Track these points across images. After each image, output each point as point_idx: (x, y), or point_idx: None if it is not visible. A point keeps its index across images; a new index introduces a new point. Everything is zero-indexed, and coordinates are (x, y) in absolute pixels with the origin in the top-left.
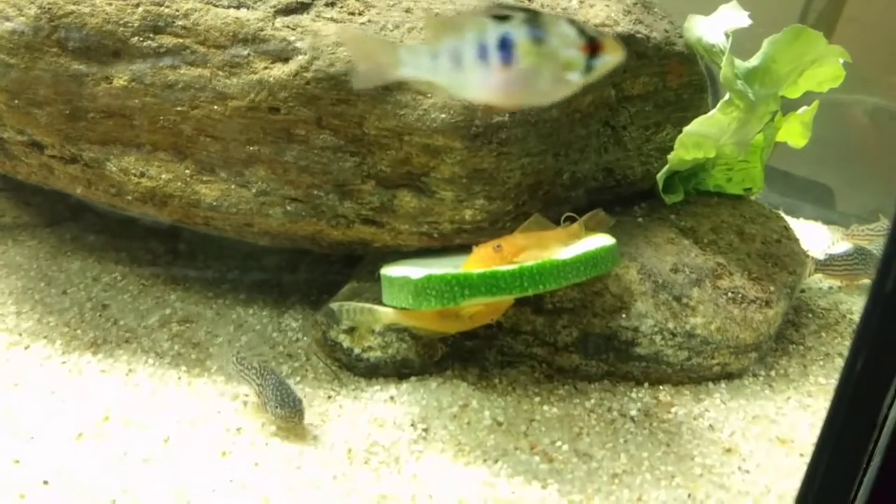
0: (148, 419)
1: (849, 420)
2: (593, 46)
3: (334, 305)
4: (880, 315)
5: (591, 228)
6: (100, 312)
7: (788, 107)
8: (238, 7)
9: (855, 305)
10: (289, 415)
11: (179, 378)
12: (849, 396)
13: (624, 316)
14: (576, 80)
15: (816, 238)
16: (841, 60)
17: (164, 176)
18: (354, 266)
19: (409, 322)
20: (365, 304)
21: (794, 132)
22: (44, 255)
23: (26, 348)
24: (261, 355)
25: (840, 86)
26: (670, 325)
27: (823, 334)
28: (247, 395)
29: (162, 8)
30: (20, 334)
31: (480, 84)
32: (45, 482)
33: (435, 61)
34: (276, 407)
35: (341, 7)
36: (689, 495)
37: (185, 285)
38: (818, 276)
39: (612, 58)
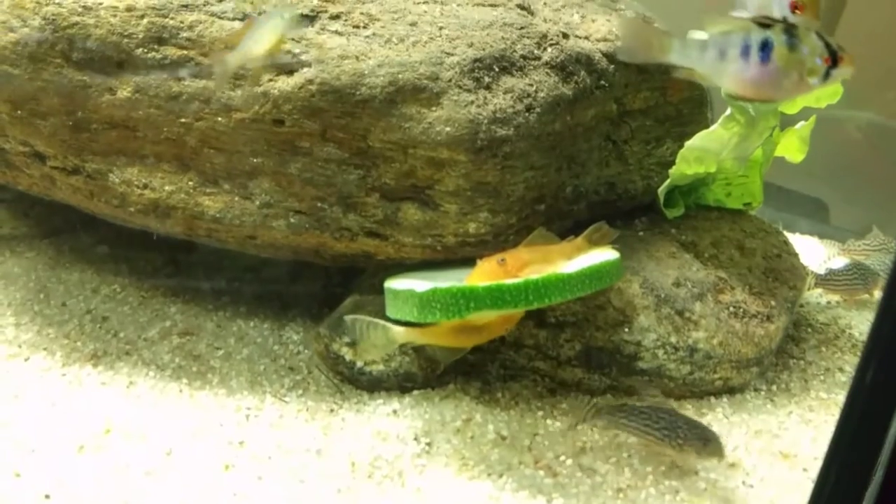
0: (149, 431)
1: (856, 438)
2: (834, 58)
3: (348, 318)
4: (889, 330)
5: (594, 242)
6: (100, 324)
7: (786, 123)
8: (243, 19)
9: (854, 321)
10: (716, 448)
11: (181, 390)
12: (857, 414)
13: (626, 330)
14: (814, 84)
15: (812, 253)
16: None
17: (167, 188)
18: (356, 279)
19: (423, 340)
20: (378, 321)
21: (792, 147)
22: (42, 267)
23: (26, 360)
24: (654, 397)
25: (835, 102)
26: (673, 339)
27: (823, 349)
28: (248, 409)
29: (166, 20)
30: (20, 346)
31: (738, 75)
32: (47, 496)
33: (702, 52)
34: (702, 444)
35: (346, 20)
36: None
37: (186, 297)
38: (818, 290)
39: (847, 70)
